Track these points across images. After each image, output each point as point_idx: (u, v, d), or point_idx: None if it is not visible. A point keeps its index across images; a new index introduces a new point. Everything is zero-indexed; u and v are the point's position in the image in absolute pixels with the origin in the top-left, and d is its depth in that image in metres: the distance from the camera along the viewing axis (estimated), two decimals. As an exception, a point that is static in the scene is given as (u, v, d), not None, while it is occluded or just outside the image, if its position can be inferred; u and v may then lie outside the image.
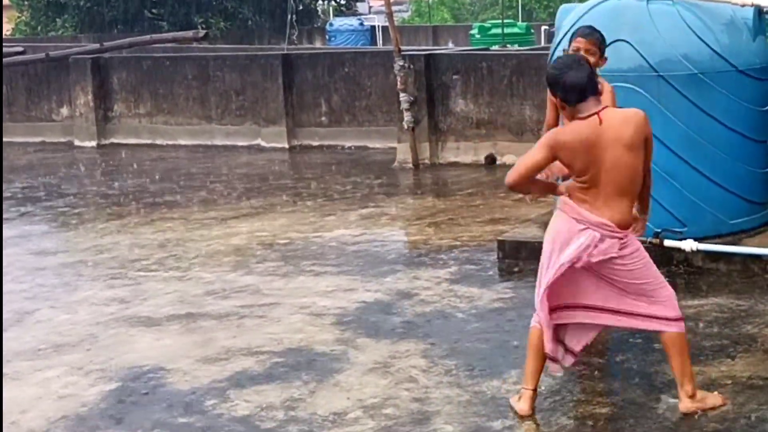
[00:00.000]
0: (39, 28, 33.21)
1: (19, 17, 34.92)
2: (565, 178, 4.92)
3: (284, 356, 5.93)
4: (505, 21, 26.29)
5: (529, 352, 5.01)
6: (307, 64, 14.45)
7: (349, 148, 14.07)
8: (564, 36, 7.25)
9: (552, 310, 4.87)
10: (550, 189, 4.92)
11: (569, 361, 5.07)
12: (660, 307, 4.83)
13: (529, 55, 12.96)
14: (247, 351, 6.03)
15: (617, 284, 4.81)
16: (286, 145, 14.30)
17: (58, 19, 32.55)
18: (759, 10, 7.43)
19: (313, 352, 5.98)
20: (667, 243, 7.09)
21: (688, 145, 7.21)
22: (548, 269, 4.79)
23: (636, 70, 7.17)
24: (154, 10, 31.46)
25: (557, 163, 4.74)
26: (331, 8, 40.52)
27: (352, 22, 34.89)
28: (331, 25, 34.61)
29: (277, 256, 8.26)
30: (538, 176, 4.78)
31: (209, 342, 6.23)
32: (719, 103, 7.26)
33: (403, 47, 12.88)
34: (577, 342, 5.02)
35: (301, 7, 34.88)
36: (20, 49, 17.49)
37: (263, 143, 14.48)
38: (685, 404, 4.88)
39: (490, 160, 12.41)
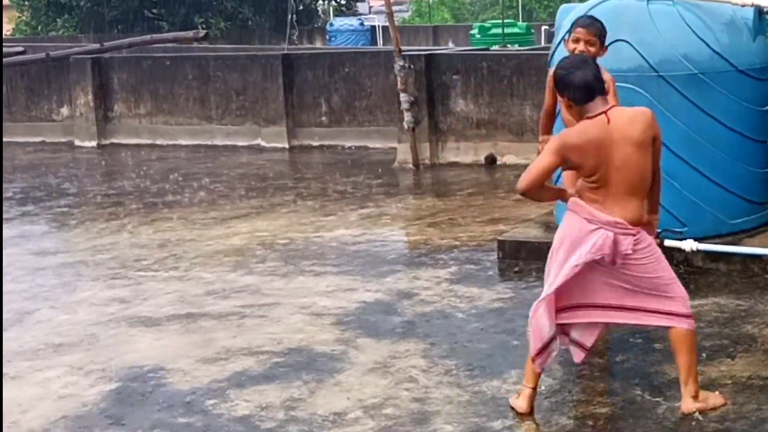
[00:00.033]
0: (39, 28, 33.26)
1: (19, 17, 34.98)
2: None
3: (284, 356, 5.92)
4: (505, 21, 26.31)
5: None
6: (308, 64, 14.44)
7: (350, 148, 14.06)
8: (564, 36, 7.24)
9: (563, 309, 4.87)
10: (560, 195, 4.96)
11: (580, 356, 5.08)
12: (671, 303, 4.82)
13: (530, 55, 12.94)
14: (247, 351, 6.03)
15: (630, 280, 4.81)
16: (287, 145, 14.29)
17: (58, 19, 32.60)
18: (759, 10, 7.43)
19: (313, 352, 5.97)
20: (668, 243, 7.08)
21: (688, 145, 7.21)
22: (559, 271, 4.79)
23: (636, 70, 7.17)
24: (154, 10, 31.50)
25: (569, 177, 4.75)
26: (331, 8, 40.56)
27: (352, 22, 34.92)
28: (331, 25, 34.63)
29: (277, 256, 8.26)
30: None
31: (209, 342, 6.23)
32: (719, 103, 7.26)
33: (403, 47, 12.87)
34: (590, 335, 5.01)
35: (301, 7, 34.92)
36: (20, 49, 17.51)
37: (263, 143, 14.47)
38: (687, 404, 4.87)
39: (491, 160, 12.40)
